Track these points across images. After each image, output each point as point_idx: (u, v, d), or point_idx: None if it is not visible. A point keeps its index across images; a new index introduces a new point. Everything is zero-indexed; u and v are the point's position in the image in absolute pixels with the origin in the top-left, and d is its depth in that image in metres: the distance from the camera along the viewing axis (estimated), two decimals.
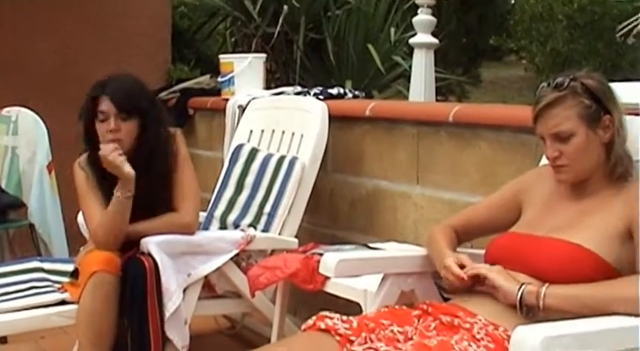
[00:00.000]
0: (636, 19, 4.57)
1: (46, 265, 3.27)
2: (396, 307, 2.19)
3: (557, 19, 6.54)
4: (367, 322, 2.03)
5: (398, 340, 1.99)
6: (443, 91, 6.67)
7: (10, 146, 4.22)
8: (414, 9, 4.70)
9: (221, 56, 4.48)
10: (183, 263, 2.95)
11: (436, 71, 4.66)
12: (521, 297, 1.96)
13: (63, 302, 2.87)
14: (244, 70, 4.27)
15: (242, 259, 3.17)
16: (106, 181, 2.92)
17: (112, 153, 2.84)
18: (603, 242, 1.99)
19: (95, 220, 2.92)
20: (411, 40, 4.56)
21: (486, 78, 9.64)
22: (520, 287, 1.97)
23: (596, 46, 6.30)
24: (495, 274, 2.04)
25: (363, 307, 2.54)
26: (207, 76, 4.95)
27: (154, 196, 2.98)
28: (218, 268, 3.03)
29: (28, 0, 4.95)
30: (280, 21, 5.35)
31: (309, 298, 3.04)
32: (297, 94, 3.93)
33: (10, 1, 4.90)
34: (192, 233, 3.01)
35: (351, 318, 2.04)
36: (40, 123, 4.11)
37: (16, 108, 4.25)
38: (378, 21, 5.61)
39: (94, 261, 2.80)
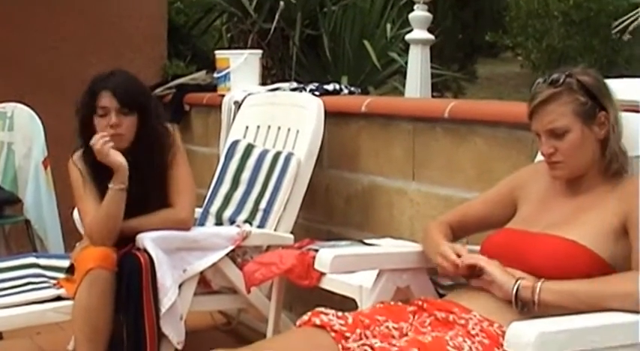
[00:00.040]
0: (632, 16, 4.57)
1: (42, 261, 3.27)
2: (392, 303, 2.19)
3: (553, 16, 6.53)
4: (362, 318, 2.03)
5: (393, 336, 1.99)
6: (439, 88, 6.67)
7: (5, 142, 4.22)
8: (410, 5, 4.69)
9: (217, 52, 4.48)
10: (179, 259, 2.95)
11: (432, 67, 4.65)
12: (516, 291, 1.97)
13: (59, 298, 2.88)
14: (240, 66, 4.27)
15: (238, 255, 3.17)
16: (100, 176, 2.93)
17: (98, 142, 2.86)
18: (599, 238, 1.99)
19: (90, 215, 2.92)
20: (407, 36, 4.56)
21: (482, 74, 9.63)
22: (516, 282, 1.98)
23: (591, 43, 6.28)
24: (492, 267, 2.04)
25: (359, 303, 2.54)
26: (203, 72, 4.95)
27: (150, 192, 2.98)
28: (214, 264, 3.04)
29: None
30: (276, 17, 5.34)
31: (304, 294, 3.04)
32: (293, 90, 3.93)
33: None
34: (187, 229, 3.01)
35: (346, 314, 2.04)
36: (36, 119, 4.11)
37: (12, 104, 4.25)
38: (374, 17, 5.61)
39: (89, 257, 2.80)
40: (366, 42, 5.21)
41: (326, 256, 2.28)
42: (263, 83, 4.35)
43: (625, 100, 2.15)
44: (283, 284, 3.01)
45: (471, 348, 1.90)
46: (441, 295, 2.32)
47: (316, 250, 2.54)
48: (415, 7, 4.50)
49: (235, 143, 3.64)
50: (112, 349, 2.80)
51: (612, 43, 6.17)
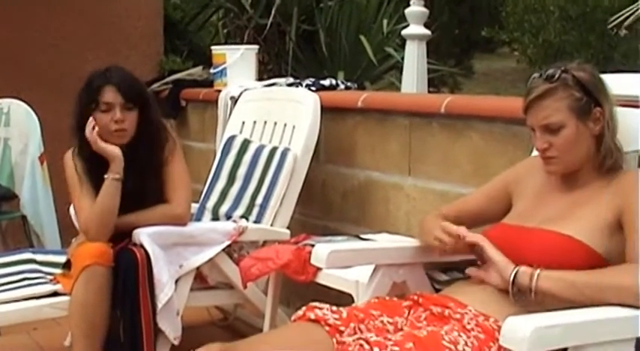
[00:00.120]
0: (628, 11, 4.57)
1: (39, 257, 3.27)
2: (387, 298, 2.19)
3: (549, 11, 6.53)
4: (357, 312, 2.04)
5: (388, 331, 2.00)
6: (435, 83, 6.67)
7: (2, 138, 4.22)
8: (406, 0, 4.70)
9: (213, 48, 4.48)
10: (175, 254, 2.95)
11: (428, 63, 4.66)
12: (514, 276, 1.97)
13: (55, 294, 2.88)
14: (237, 62, 4.26)
15: (234, 250, 3.17)
16: (96, 172, 2.93)
17: (92, 133, 2.87)
18: (594, 233, 1.99)
19: (85, 211, 2.92)
20: (404, 32, 4.56)
21: (479, 70, 9.65)
22: (515, 266, 1.98)
23: (588, 38, 6.28)
24: (493, 249, 2.05)
25: (355, 298, 2.55)
26: (200, 67, 4.94)
27: (147, 187, 2.98)
28: (210, 260, 3.04)
29: None
30: (273, 12, 5.35)
31: (301, 289, 3.05)
32: (290, 85, 3.93)
33: None
34: (184, 224, 3.01)
35: (340, 308, 2.04)
36: (33, 114, 4.10)
37: (8, 99, 4.24)
38: (371, 12, 5.61)
39: (86, 253, 2.80)
40: (362, 37, 5.22)
41: (322, 251, 2.28)
42: (259, 79, 4.35)
43: (621, 95, 2.15)
44: (280, 279, 3.01)
45: (466, 342, 1.90)
46: (437, 290, 2.32)
47: (312, 246, 2.53)
48: (411, 2, 4.51)
49: (232, 139, 3.64)
50: (108, 344, 2.80)
51: (608, 39, 6.17)
